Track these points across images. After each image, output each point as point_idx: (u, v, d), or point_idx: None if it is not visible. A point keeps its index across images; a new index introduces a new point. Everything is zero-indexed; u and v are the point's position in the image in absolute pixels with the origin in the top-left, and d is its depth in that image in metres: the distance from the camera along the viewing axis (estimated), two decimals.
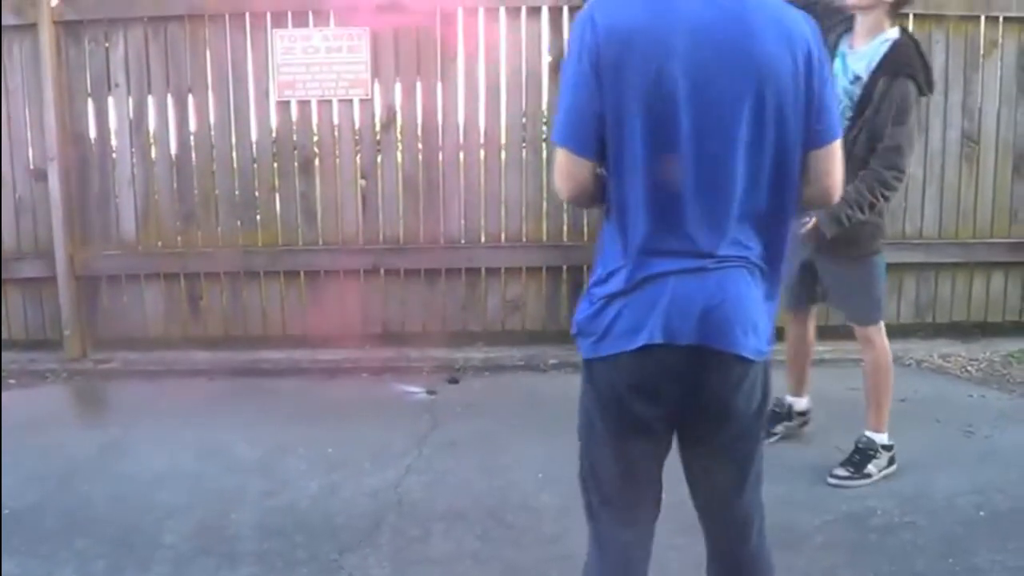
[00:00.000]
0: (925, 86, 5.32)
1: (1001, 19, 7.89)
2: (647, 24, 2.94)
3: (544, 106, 7.69)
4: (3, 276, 7.82)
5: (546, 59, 7.66)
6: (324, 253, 7.78)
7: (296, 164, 7.78)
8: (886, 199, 5.36)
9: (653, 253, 3.00)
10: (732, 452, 3.23)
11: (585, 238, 7.76)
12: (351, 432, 6.27)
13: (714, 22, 2.93)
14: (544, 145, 7.54)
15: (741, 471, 3.26)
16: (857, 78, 5.33)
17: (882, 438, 5.73)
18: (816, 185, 3.11)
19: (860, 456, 5.70)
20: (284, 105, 7.70)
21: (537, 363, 7.49)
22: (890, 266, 7.82)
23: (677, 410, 3.11)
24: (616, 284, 3.06)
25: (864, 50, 5.34)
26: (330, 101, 7.71)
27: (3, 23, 7.57)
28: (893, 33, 5.35)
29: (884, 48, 5.29)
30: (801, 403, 6.24)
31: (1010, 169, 8.04)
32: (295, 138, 7.77)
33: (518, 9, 7.56)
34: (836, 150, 3.09)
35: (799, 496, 5.39)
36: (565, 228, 7.82)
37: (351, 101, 7.69)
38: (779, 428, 6.15)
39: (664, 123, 2.93)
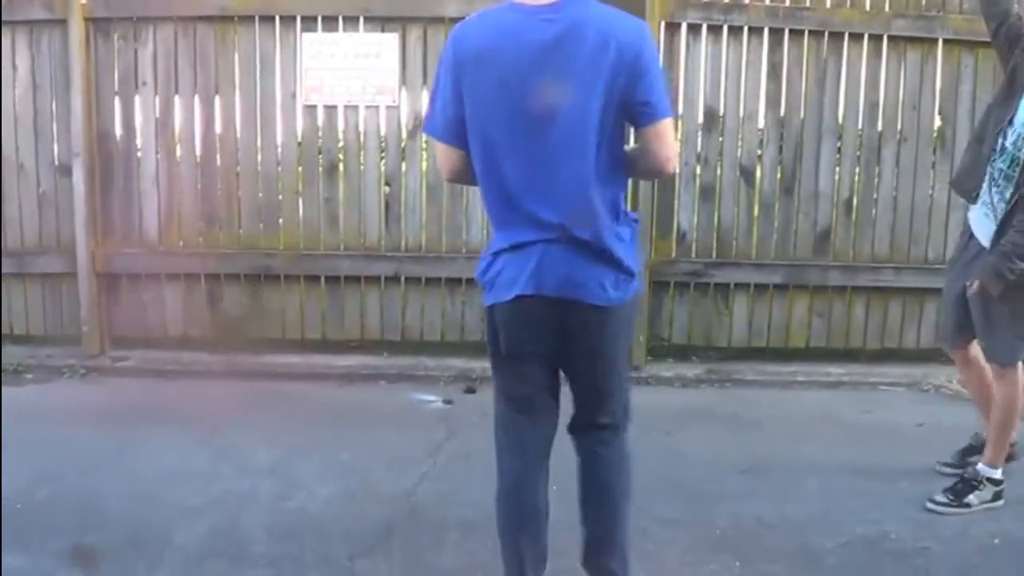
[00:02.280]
0: None
1: None
2: (494, 45, 3.76)
3: None
4: (24, 271, 7.82)
5: None
6: (345, 259, 7.77)
7: (321, 169, 7.78)
8: None
9: (512, 225, 3.85)
10: (593, 375, 4.08)
11: None
12: (366, 438, 6.25)
13: (547, 38, 3.71)
14: None
15: (606, 373, 4.09)
16: None
17: (991, 472, 5.59)
18: (646, 158, 3.85)
19: (963, 485, 5.59)
20: (311, 109, 7.69)
21: None
22: (910, 291, 7.89)
23: (552, 344, 3.96)
24: (499, 243, 3.91)
25: None
26: (357, 107, 7.69)
27: (34, 18, 7.61)
28: None
29: None
30: None
31: None
32: (320, 143, 7.76)
33: None
34: (660, 128, 3.77)
35: (815, 518, 5.35)
36: None
37: (378, 107, 7.67)
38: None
39: (507, 120, 3.75)
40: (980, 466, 5.62)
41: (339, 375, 7.54)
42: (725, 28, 7.64)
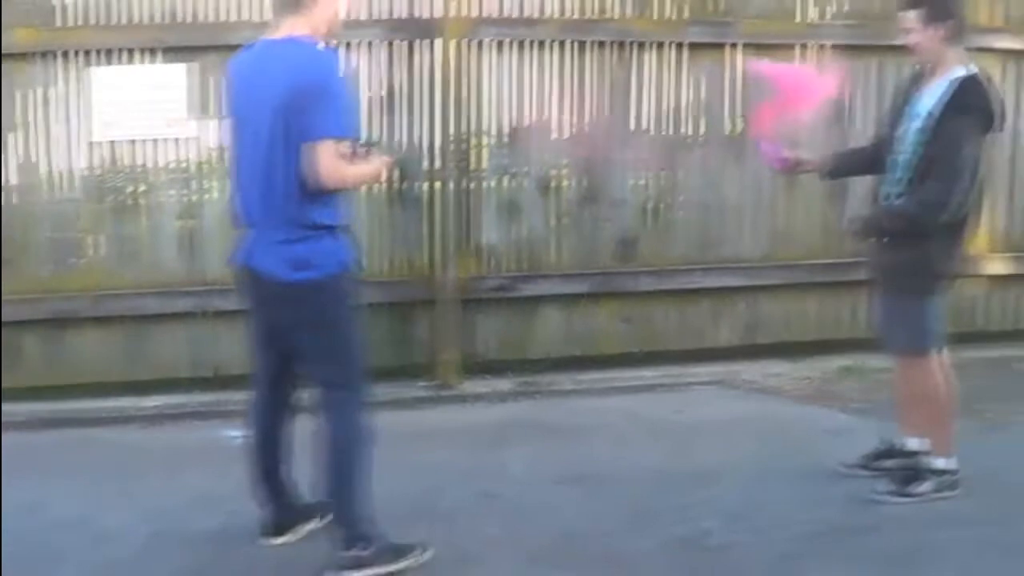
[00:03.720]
0: (990, 122, 5.54)
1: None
2: (235, 71, 4.97)
3: (371, 137, 7.63)
4: None
5: (373, 94, 7.69)
6: (147, 296, 7.60)
7: (118, 205, 7.59)
8: (921, 217, 5.54)
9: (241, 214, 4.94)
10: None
11: (411, 272, 7.81)
12: (176, 479, 6.11)
13: (254, 67, 4.82)
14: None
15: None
16: (928, 115, 5.53)
17: (941, 462, 5.77)
18: (309, 169, 4.62)
19: (909, 475, 5.80)
20: (105, 145, 7.51)
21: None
22: (717, 291, 8.08)
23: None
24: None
25: (933, 89, 5.57)
26: (152, 140, 7.55)
27: None
28: (960, 71, 5.57)
29: (949, 86, 5.50)
30: (913, 443, 6.05)
31: (830, 194, 8.19)
32: (117, 179, 7.58)
33: (346, 45, 7.50)
34: (316, 146, 4.58)
35: (632, 522, 5.47)
36: (393, 264, 7.84)
37: (175, 140, 7.54)
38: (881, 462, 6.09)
39: (237, 133, 4.90)
40: (926, 457, 5.81)
41: (147, 416, 7.36)
42: (522, 43, 7.73)
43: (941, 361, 5.79)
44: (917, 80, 5.77)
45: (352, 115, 4.97)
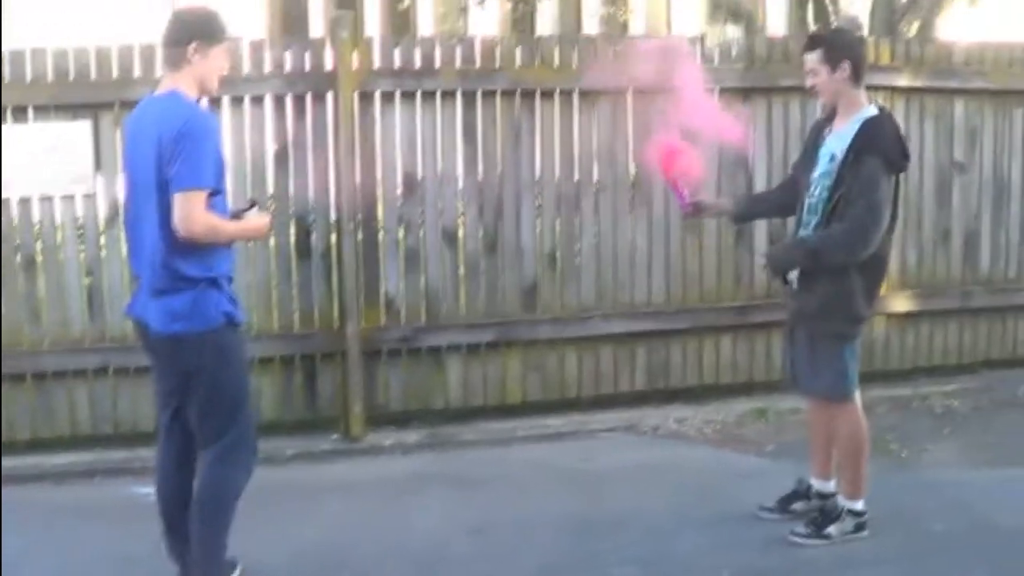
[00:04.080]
0: (897, 161, 5.68)
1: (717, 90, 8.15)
2: (127, 128, 5.30)
3: (270, 191, 7.68)
4: None
5: (271, 147, 7.69)
6: (50, 354, 7.58)
7: (18, 263, 7.57)
8: (823, 252, 5.66)
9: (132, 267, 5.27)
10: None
11: (316, 325, 7.81)
12: (87, 539, 6.13)
13: (138, 124, 5.06)
14: (271, 234, 7.45)
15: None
16: (833, 157, 5.69)
17: (852, 504, 5.88)
18: (175, 220, 4.80)
19: (823, 517, 5.91)
20: (3, 203, 7.48)
21: (274, 455, 7.38)
22: (620, 337, 8.13)
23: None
24: None
25: (841, 131, 5.74)
26: (52, 197, 7.53)
27: None
28: (870, 111, 5.77)
29: (856, 127, 5.66)
30: (828, 486, 6.17)
31: (732, 236, 8.38)
32: (16, 237, 7.56)
33: (240, 99, 7.55)
34: (177, 198, 4.78)
35: (539, 572, 5.58)
36: (297, 317, 7.84)
37: (73, 196, 7.53)
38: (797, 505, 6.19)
39: (128, 188, 5.16)
40: (840, 498, 5.94)
41: (54, 475, 7.32)
42: (418, 94, 7.79)
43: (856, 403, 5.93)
44: (826, 122, 5.94)
45: (220, 168, 5.03)
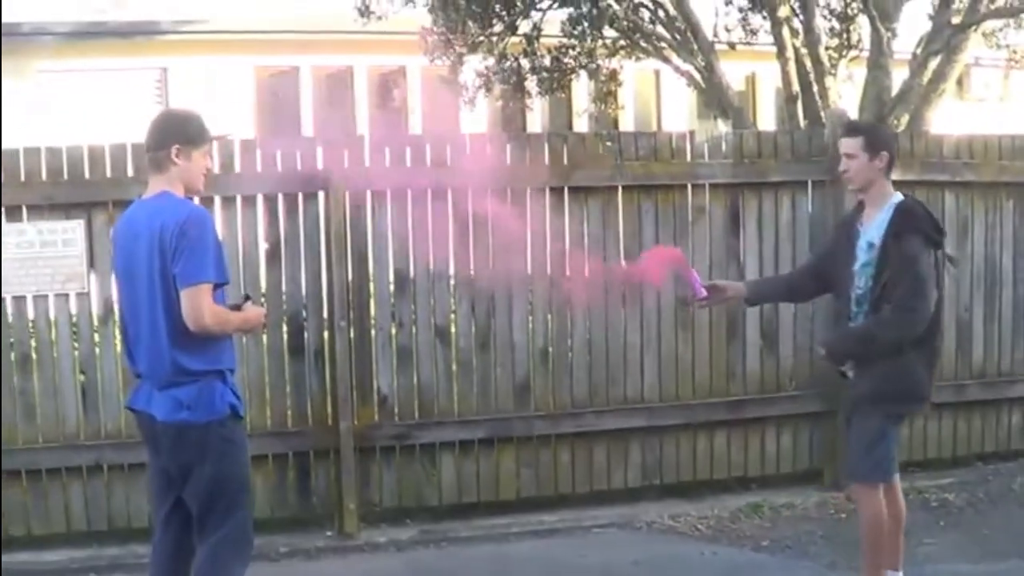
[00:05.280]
0: (935, 237, 5.88)
1: (707, 186, 8.38)
2: (119, 228, 5.45)
3: (263, 289, 7.79)
4: None
5: (263, 245, 7.82)
6: (44, 451, 7.65)
7: (13, 361, 7.65)
8: (885, 336, 5.79)
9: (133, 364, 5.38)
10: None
11: (310, 422, 7.90)
12: None
13: (132, 224, 5.25)
14: (265, 330, 7.56)
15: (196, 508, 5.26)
16: (872, 245, 5.86)
17: None
18: (184, 315, 5.01)
19: None
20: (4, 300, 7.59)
21: (268, 551, 7.44)
22: (613, 433, 8.19)
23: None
24: None
25: (875, 219, 5.93)
26: (46, 295, 7.65)
27: None
28: (898, 197, 6.02)
29: (891, 212, 5.86)
30: None
31: (724, 329, 8.49)
32: (11, 334, 7.64)
33: (232, 198, 7.70)
34: (185, 293, 4.99)
35: None
36: (290, 414, 7.93)
37: (68, 295, 7.66)
38: None
39: (124, 287, 5.35)
40: None
41: (48, 572, 7.39)
42: (409, 194, 7.91)
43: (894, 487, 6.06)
44: (856, 215, 6.13)
45: (222, 261, 5.22)
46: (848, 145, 6.00)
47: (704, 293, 6.39)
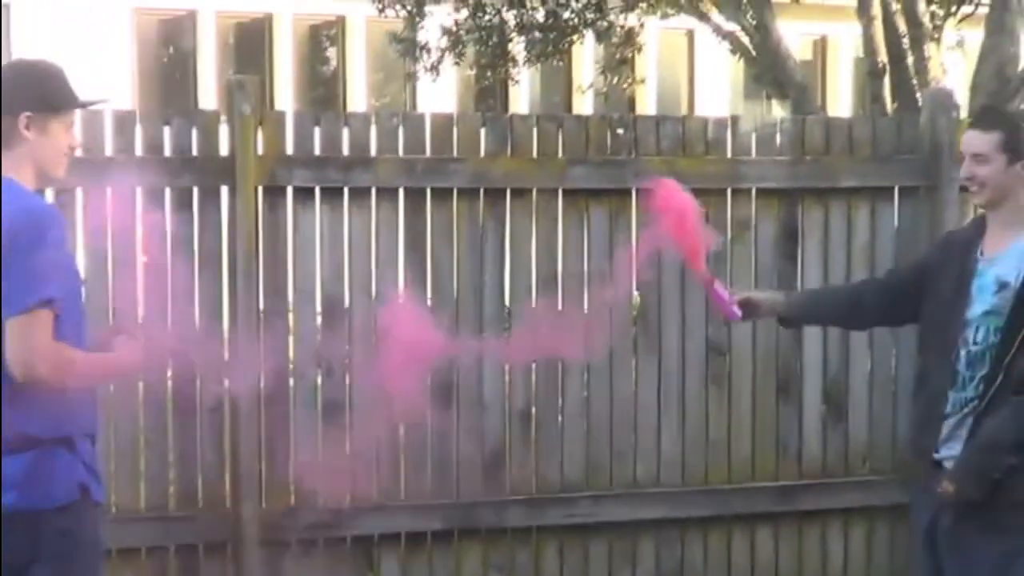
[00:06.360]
0: None
1: (754, 191, 8.43)
2: None
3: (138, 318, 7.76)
4: None
5: (139, 259, 7.77)
6: None
7: None
8: None
9: None
10: None
11: (200, 504, 7.90)
12: None
13: None
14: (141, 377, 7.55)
15: None
16: (1004, 285, 5.69)
17: None
18: (6, 357, 4.75)
19: None
20: None
21: None
22: (621, 525, 8.17)
23: None
24: None
25: (1012, 248, 5.75)
26: None
27: None
28: None
29: None
30: None
31: (774, 389, 8.49)
32: None
33: (101, 192, 7.64)
34: (10, 325, 4.69)
35: None
36: (172, 492, 7.92)
37: None
38: None
39: None
40: None
41: None
42: (346, 191, 7.95)
43: None
44: (974, 237, 5.98)
45: (70, 279, 5.03)
46: (979, 143, 5.83)
47: (739, 314, 6.41)
